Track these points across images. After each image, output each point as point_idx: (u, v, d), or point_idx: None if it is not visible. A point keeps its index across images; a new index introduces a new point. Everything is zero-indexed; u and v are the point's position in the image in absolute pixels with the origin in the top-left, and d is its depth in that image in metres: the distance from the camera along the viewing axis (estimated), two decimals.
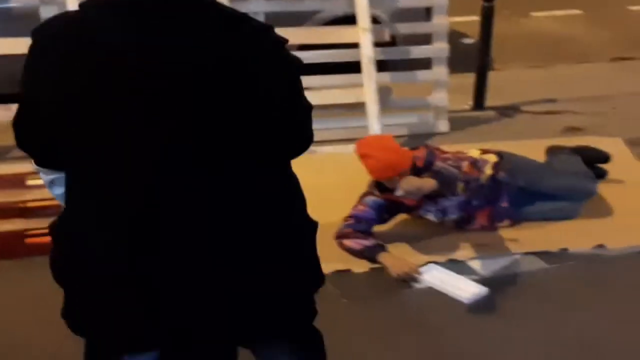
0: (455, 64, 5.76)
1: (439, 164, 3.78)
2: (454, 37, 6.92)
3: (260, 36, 1.91)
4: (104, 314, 2.04)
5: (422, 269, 3.58)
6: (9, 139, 4.51)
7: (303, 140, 2.09)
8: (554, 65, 6.98)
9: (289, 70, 1.97)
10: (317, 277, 2.22)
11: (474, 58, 5.93)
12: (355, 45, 5.27)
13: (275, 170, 2.06)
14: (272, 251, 2.06)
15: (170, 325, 2.02)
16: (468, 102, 5.88)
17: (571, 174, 4.27)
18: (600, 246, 3.79)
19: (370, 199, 3.84)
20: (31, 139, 1.98)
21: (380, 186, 3.84)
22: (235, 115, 1.88)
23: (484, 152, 4.17)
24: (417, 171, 3.75)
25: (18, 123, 1.97)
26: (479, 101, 5.89)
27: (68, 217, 2.03)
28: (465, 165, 3.91)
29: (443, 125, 5.47)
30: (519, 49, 7.60)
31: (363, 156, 3.73)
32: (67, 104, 1.85)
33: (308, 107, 2.05)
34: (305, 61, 2.07)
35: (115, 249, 1.96)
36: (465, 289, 3.41)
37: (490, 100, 5.89)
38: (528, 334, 3.16)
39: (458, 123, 5.50)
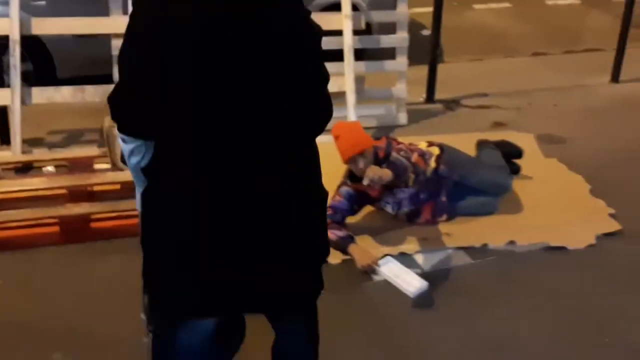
0: (415, 55, 5.32)
1: (394, 154, 3.48)
2: (414, 28, 6.55)
3: (297, 7, 1.86)
4: (172, 280, 1.92)
5: (380, 262, 3.35)
6: (82, 122, 4.35)
7: (327, 109, 1.97)
8: (489, 59, 6.68)
9: (316, 36, 1.90)
10: (326, 246, 2.09)
11: (429, 49, 5.44)
12: (335, 33, 4.54)
13: (304, 142, 1.94)
14: (298, 220, 1.92)
15: (220, 297, 1.91)
16: (422, 95, 5.52)
17: (494, 169, 3.93)
18: (512, 242, 3.56)
19: (344, 189, 3.53)
20: (128, 106, 1.83)
21: (351, 176, 3.54)
22: (284, 72, 1.82)
23: (429, 144, 3.82)
24: (378, 162, 3.46)
25: (118, 91, 1.84)
26: (430, 94, 5.46)
27: (154, 183, 1.92)
28: (414, 156, 3.59)
29: (402, 118, 5.01)
30: (464, 41, 7.20)
31: (336, 138, 3.41)
32: (167, 66, 1.74)
33: (326, 75, 1.94)
34: None
35: (189, 214, 1.85)
36: (412, 283, 3.22)
37: (439, 92, 5.48)
38: (453, 328, 3.01)
39: (414, 115, 5.11)
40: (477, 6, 8.37)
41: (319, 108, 1.95)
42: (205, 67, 1.75)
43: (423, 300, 3.19)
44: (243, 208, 1.85)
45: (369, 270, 3.35)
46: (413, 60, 5.27)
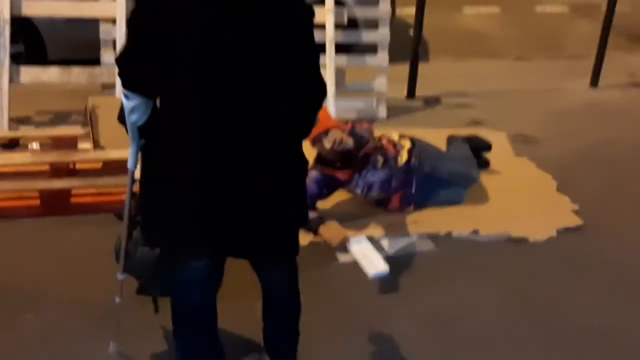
0: (402, 53, 5.48)
1: (357, 128, 3.66)
2: (403, 27, 6.70)
3: None
4: (176, 221, 2.13)
5: (352, 240, 3.47)
6: (70, 104, 4.46)
7: (321, 85, 2.20)
8: (471, 60, 6.80)
9: (311, 13, 2.12)
10: (305, 215, 2.40)
11: (419, 49, 5.58)
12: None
13: (296, 113, 2.14)
14: (284, 183, 2.20)
15: (220, 239, 2.15)
16: (404, 92, 5.63)
17: (461, 161, 4.04)
18: (475, 232, 3.69)
19: (313, 173, 3.58)
20: (134, 64, 2.02)
21: (320, 161, 3.65)
22: (285, 43, 2.04)
23: (401, 137, 3.91)
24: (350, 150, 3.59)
25: (126, 50, 2.02)
26: (411, 90, 5.59)
27: (156, 135, 2.12)
28: (384, 141, 3.71)
29: (382, 112, 5.13)
30: (450, 42, 7.33)
31: None
32: (173, 34, 1.94)
33: (318, 48, 2.18)
34: None
35: (191, 163, 2.06)
36: (374, 265, 3.33)
37: (421, 90, 5.62)
38: (410, 309, 3.13)
39: (394, 110, 5.25)
40: (467, 10, 8.49)
41: (316, 79, 2.17)
42: (208, 37, 1.95)
43: (385, 282, 3.31)
44: (238, 166, 2.08)
45: (341, 245, 3.46)
46: (400, 58, 5.41)
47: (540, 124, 5.25)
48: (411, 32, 6.97)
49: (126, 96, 2.07)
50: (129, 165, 2.35)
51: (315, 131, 3.43)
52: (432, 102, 5.61)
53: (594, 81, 6.08)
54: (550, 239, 3.72)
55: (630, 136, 5.06)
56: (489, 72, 6.42)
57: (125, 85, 2.05)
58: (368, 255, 3.40)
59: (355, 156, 3.60)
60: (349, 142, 3.50)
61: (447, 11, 7.98)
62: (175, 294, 2.32)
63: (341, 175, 3.63)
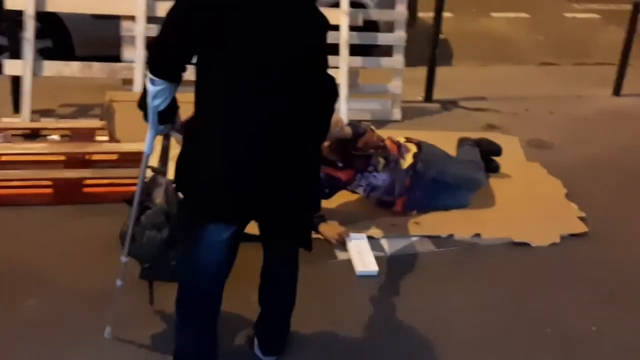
0: (424, 57, 5.51)
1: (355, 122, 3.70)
2: (428, 31, 6.68)
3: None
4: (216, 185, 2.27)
5: (353, 235, 3.53)
6: (92, 98, 4.59)
7: (334, 85, 2.39)
8: (494, 65, 6.78)
9: (326, 23, 2.31)
10: (319, 203, 2.67)
11: (443, 53, 5.67)
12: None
13: (314, 107, 2.33)
14: (308, 172, 2.43)
15: (241, 207, 2.32)
16: (421, 94, 5.68)
17: (469, 165, 4.01)
18: (477, 235, 3.68)
19: None
20: (164, 52, 2.20)
21: (323, 161, 3.52)
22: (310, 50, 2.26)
23: (408, 140, 3.90)
24: (344, 141, 3.61)
25: (159, 39, 2.20)
26: (428, 93, 5.59)
27: (197, 115, 2.27)
28: (388, 142, 3.72)
29: (397, 114, 5.14)
30: (475, 47, 7.34)
31: None
32: (206, 31, 2.12)
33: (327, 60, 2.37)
34: None
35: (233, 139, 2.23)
36: (364, 263, 3.37)
37: (440, 93, 5.63)
38: (405, 308, 3.14)
39: (410, 112, 5.28)
40: (495, 14, 8.44)
41: (330, 79, 2.37)
42: (245, 32, 2.12)
43: (380, 281, 3.34)
44: (268, 142, 2.25)
45: (340, 242, 3.50)
46: (422, 61, 5.49)
47: (557, 130, 5.21)
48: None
49: (152, 81, 2.22)
50: (146, 149, 2.47)
51: None
52: (449, 105, 5.61)
53: (617, 89, 6.00)
54: (553, 245, 3.70)
55: None
56: (511, 77, 6.39)
57: (154, 71, 2.22)
58: (362, 253, 3.44)
59: (355, 149, 3.61)
60: (347, 130, 3.53)
61: (474, 16, 7.96)
62: (189, 276, 2.41)
63: (343, 175, 3.64)
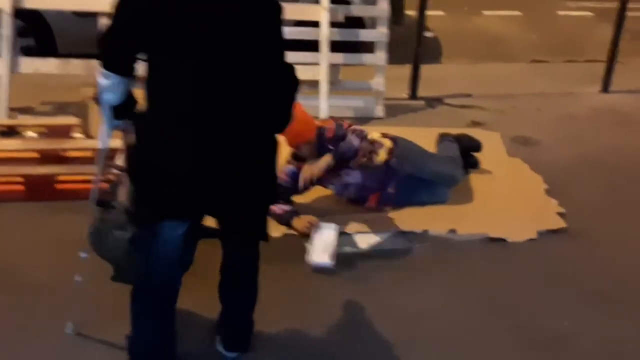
0: (412, 54, 5.48)
1: (350, 136, 3.61)
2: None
3: None
4: (165, 182, 2.26)
5: (324, 224, 3.47)
6: (71, 96, 4.57)
7: (293, 75, 2.38)
8: (484, 63, 6.73)
9: (279, 8, 2.31)
10: (275, 193, 2.57)
11: (432, 51, 5.60)
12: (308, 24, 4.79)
13: (270, 98, 2.30)
14: (261, 159, 2.37)
15: (194, 204, 2.30)
16: (406, 91, 5.65)
17: (446, 161, 3.98)
18: (452, 231, 3.65)
19: (289, 168, 3.63)
20: (114, 45, 2.19)
21: (296, 156, 3.66)
22: (256, 32, 2.23)
23: (383, 135, 3.79)
24: (324, 143, 3.59)
25: (109, 33, 2.19)
26: (413, 90, 5.55)
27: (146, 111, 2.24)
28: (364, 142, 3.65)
29: (379, 111, 5.10)
30: (465, 45, 7.29)
31: None
32: (156, 23, 2.11)
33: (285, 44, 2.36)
34: None
35: (182, 135, 2.20)
36: (320, 255, 3.31)
37: (426, 90, 5.58)
38: (377, 305, 3.11)
39: (394, 110, 5.23)
40: (487, 12, 8.40)
41: (286, 68, 2.36)
42: (191, 21, 2.12)
43: (354, 277, 3.32)
44: (218, 136, 2.22)
45: (307, 231, 3.47)
46: (411, 59, 5.45)
47: (543, 127, 5.17)
48: (427, 33, 7.06)
49: (103, 75, 2.21)
50: (100, 144, 2.43)
51: (295, 139, 3.53)
52: (434, 102, 5.57)
53: (605, 86, 5.95)
54: (529, 241, 3.66)
55: (635, 143, 4.94)
56: (500, 75, 6.35)
57: (106, 64, 2.20)
58: (324, 243, 3.38)
59: (330, 145, 3.61)
60: (326, 163, 3.56)
61: (466, 14, 7.93)
62: (145, 269, 2.38)
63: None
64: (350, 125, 3.73)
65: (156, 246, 2.34)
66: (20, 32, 5.37)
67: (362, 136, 3.63)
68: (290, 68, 2.38)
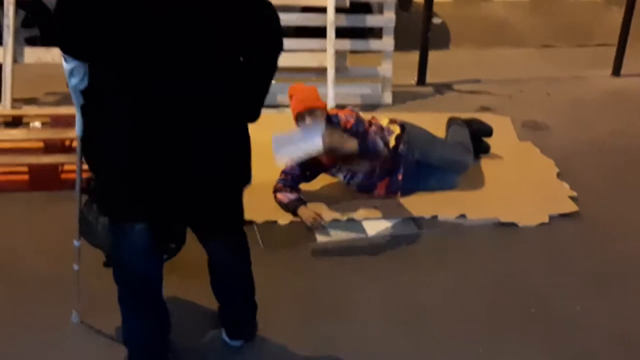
0: (419, 41, 5.39)
1: (372, 134, 3.44)
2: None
3: None
4: (114, 184, 2.15)
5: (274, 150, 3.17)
6: None
7: (277, 34, 2.15)
8: (493, 48, 6.65)
9: None
10: (248, 175, 2.31)
11: (440, 37, 5.52)
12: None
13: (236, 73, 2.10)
14: (223, 146, 2.16)
15: (155, 206, 2.16)
16: (414, 78, 5.58)
17: (456, 146, 3.89)
18: (462, 216, 3.58)
19: None
20: (69, 28, 1.98)
21: None
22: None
23: (391, 121, 3.78)
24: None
25: (62, 15, 1.98)
26: (421, 77, 5.49)
27: (92, 97, 2.11)
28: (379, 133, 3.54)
29: (387, 97, 5.03)
30: (474, 30, 7.22)
31: (290, 97, 3.45)
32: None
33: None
34: None
35: (124, 125, 2.05)
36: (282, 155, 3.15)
37: (434, 76, 5.51)
38: (389, 291, 3.06)
39: (402, 96, 5.17)
40: None
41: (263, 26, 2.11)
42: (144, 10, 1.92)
43: (361, 263, 3.26)
44: (174, 129, 2.06)
45: (315, 226, 3.40)
46: (419, 46, 5.39)
47: (553, 112, 5.09)
48: (435, 19, 6.99)
49: (64, 59, 2.08)
50: (77, 131, 2.35)
51: (298, 107, 3.40)
52: (442, 89, 5.50)
53: (616, 69, 5.86)
54: (541, 225, 3.60)
55: None
56: (509, 60, 6.27)
57: (62, 48, 2.05)
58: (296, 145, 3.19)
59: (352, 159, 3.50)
60: (351, 147, 3.32)
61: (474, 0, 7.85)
62: (117, 259, 2.32)
63: (324, 159, 3.55)
64: (370, 125, 3.61)
65: (121, 237, 2.25)
66: (24, 23, 5.36)
67: (386, 141, 3.52)
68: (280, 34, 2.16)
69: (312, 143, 3.12)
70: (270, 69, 2.19)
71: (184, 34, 1.97)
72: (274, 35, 2.15)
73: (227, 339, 2.66)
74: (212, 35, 2.01)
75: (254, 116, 2.22)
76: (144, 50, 1.97)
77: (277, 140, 3.12)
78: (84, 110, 2.17)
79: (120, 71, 2.01)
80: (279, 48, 2.16)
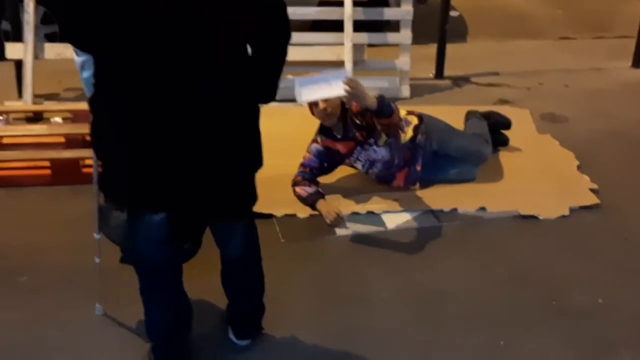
0: (436, 34, 5.39)
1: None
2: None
3: None
4: (130, 175, 2.14)
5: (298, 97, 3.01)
6: None
7: (283, 28, 2.15)
8: (511, 41, 6.62)
9: None
10: (259, 159, 2.31)
11: (458, 29, 5.51)
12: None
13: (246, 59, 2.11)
14: (232, 134, 2.16)
15: (173, 196, 2.16)
16: (433, 71, 5.55)
17: (474, 138, 3.88)
18: (482, 208, 3.57)
19: (314, 146, 3.53)
20: (77, 21, 1.97)
21: (323, 132, 3.54)
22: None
23: (409, 112, 3.75)
24: (351, 114, 3.43)
25: (69, 7, 1.97)
26: (439, 70, 5.46)
27: (100, 91, 2.08)
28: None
29: (405, 90, 5.02)
30: (491, 23, 7.18)
31: None
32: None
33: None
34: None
35: (142, 118, 2.04)
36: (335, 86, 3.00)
37: (452, 69, 5.49)
38: (408, 283, 3.05)
39: (419, 89, 5.16)
40: None
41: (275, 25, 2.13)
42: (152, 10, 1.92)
43: (380, 255, 3.25)
44: (184, 119, 2.05)
45: (335, 224, 3.39)
46: (436, 39, 5.38)
47: (572, 104, 5.06)
48: (452, 12, 6.95)
49: (75, 52, 2.10)
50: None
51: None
52: (460, 81, 5.48)
53: (636, 61, 5.81)
54: (562, 217, 3.57)
55: None
56: (527, 52, 6.23)
57: (71, 42, 2.06)
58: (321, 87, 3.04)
59: (360, 119, 3.44)
60: (372, 102, 3.15)
61: None
62: (137, 251, 2.34)
63: (342, 147, 3.54)
64: None
65: (140, 229, 2.26)
66: (44, 19, 5.39)
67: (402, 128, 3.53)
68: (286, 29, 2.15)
69: (335, 86, 3.01)
70: (279, 55, 2.19)
71: (190, 25, 1.96)
72: (280, 23, 2.16)
73: (234, 339, 2.65)
74: (218, 25, 2.01)
75: (269, 98, 2.23)
76: (152, 41, 1.95)
77: (300, 82, 3.00)
78: (93, 102, 2.14)
79: (130, 63, 2.00)
80: (287, 36, 2.18)
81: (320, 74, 3.05)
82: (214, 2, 1.98)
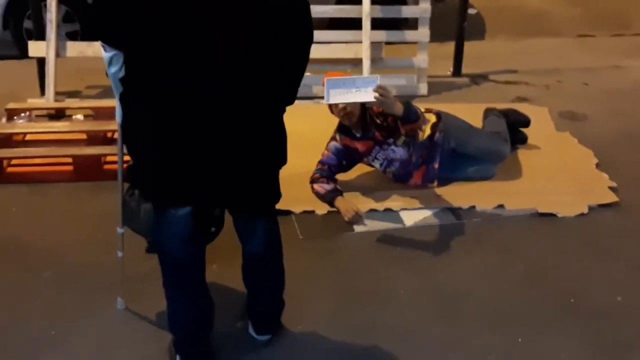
0: (454, 32, 5.37)
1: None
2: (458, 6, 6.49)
3: None
4: (157, 170, 2.19)
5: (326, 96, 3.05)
6: None
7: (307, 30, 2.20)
8: (529, 39, 6.57)
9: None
10: (283, 156, 2.35)
11: (476, 27, 5.47)
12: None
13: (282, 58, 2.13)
14: (258, 132, 2.20)
15: (199, 191, 2.21)
16: (450, 69, 5.53)
17: (492, 136, 3.86)
18: (500, 206, 3.56)
19: (332, 144, 3.56)
20: (107, 18, 2.03)
21: (342, 130, 3.55)
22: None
23: (427, 110, 3.71)
24: (372, 114, 3.44)
25: (100, 5, 2.03)
26: (457, 68, 5.44)
27: (128, 87, 2.14)
28: None
29: (423, 88, 5.02)
30: (508, 21, 7.13)
31: (323, 85, 3.26)
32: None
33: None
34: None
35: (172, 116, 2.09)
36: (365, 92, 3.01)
37: (470, 67, 5.46)
38: (427, 280, 3.06)
39: (437, 87, 5.14)
40: None
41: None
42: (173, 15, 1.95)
43: (398, 252, 3.26)
44: (211, 117, 2.09)
45: (353, 221, 3.40)
46: (454, 37, 5.36)
47: (591, 102, 5.01)
48: (470, 10, 6.92)
49: (103, 47, 2.12)
50: (117, 119, 2.39)
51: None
52: (478, 79, 5.45)
53: None
54: (580, 215, 3.55)
55: None
56: (545, 50, 6.17)
57: (100, 37, 2.09)
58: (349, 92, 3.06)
59: (381, 120, 3.45)
60: (399, 109, 3.16)
61: None
62: (161, 245, 2.36)
63: (360, 146, 3.55)
64: None
65: (163, 222, 2.29)
66: (65, 18, 5.45)
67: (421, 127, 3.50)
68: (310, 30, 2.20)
69: (365, 92, 3.02)
70: (302, 58, 2.23)
71: (215, 26, 1.99)
72: (304, 26, 2.18)
73: (254, 334, 2.67)
74: (245, 27, 2.03)
75: (289, 101, 2.26)
76: (181, 39, 1.98)
77: (331, 83, 3.03)
78: (123, 98, 2.19)
79: (155, 60, 2.03)
80: (310, 38, 2.21)
81: (351, 78, 3.08)
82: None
